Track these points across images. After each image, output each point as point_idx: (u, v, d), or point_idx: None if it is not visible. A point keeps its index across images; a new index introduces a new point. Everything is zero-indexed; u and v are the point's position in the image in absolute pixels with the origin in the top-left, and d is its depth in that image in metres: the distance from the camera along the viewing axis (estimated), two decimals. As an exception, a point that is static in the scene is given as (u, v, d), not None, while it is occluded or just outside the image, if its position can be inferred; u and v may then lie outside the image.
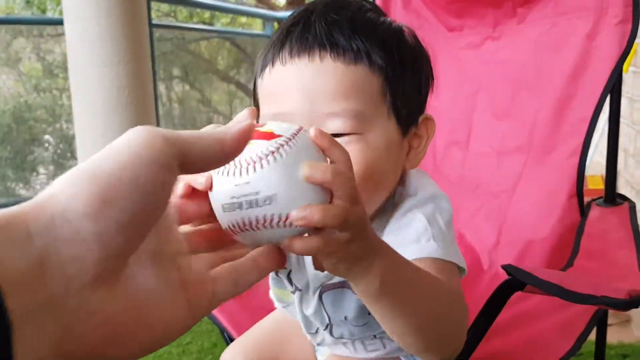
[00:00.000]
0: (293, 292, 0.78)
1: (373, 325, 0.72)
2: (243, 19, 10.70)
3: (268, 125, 0.45)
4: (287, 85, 0.62)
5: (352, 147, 0.60)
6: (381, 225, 0.68)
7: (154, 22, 3.53)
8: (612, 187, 1.15)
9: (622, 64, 1.10)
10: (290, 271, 0.76)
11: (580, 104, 1.19)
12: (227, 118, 8.54)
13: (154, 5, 3.37)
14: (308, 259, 0.71)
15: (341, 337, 0.76)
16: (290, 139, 0.42)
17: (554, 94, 1.24)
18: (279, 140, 0.42)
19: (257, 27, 9.57)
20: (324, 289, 0.73)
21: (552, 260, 1.22)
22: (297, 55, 0.61)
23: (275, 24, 6.28)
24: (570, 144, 1.20)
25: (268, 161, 0.41)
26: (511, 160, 1.31)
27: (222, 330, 1.09)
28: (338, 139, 0.48)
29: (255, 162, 0.41)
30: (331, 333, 0.75)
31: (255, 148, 0.42)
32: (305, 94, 0.61)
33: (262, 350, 0.87)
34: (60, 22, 2.93)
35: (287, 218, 0.41)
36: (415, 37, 0.71)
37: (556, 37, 1.23)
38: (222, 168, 0.42)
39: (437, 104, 1.41)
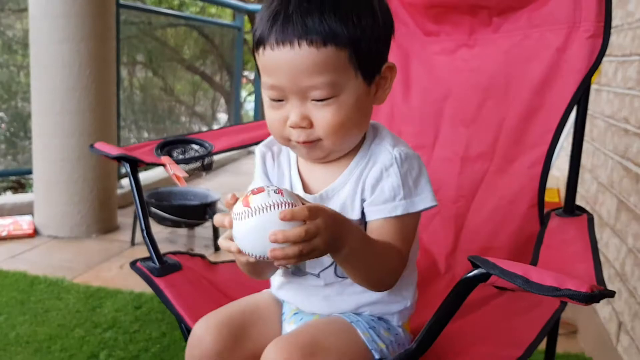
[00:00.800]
0: None
1: None
2: (213, 10, 10.56)
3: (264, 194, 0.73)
4: (277, 66, 0.81)
5: (330, 108, 0.83)
6: (345, 164, 0.92)
7: (121, 2, 3.44)
8: (572, 198, 1.17)
9: (590, 77, 1.12)
10: None
11: (546, 115, 1.20)
12: (189, 108, 8.40)
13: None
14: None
15: (343, 277, 0.94)
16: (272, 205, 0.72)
17: (520, 104, 1.26)
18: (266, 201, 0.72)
19: (226, 19, 9.47)
20: None
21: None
22: (281, 43, 0.80)
23: (245, 17, 6.23)
24: (534, 154, 1.22)
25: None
26: (473, 166, 1.32)
27: (179, 320, 1.06)
28: (319, 103, 0.82)
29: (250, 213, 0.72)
30: (335, 272, 0.95)
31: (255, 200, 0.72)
32: (290, 73, 0.81)
33: (233, 324, 0.94)
34: (23, -6, 2.81)
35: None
36: (380, 1, 0.87)
37: (527, 48, 1.24)
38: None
39: (406, 107, 1.42)
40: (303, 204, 0.75)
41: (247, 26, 9.09)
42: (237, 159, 5.03)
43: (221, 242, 0.79)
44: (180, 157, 1.32)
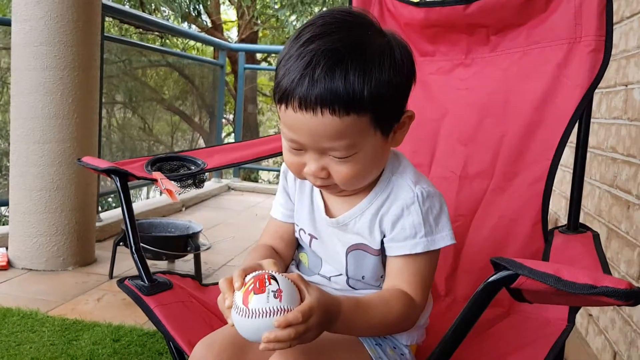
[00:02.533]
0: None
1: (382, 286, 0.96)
2: (194, 52, 10.64)
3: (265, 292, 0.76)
4: (299, 127, 0.84)
5: (347, 164, 0.86)
6: (365, 193, 0.96)
7: (105, 34, 3.42)
8: (576, 215, 1.15)
9: (592, 92, 1.12)
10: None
11: (547, 131, 1.19)
12: (168, 148, 8.35)
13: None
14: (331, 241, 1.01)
15: (354, 288, 0.99)
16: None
17: (520, 121, 1.25)
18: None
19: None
20: (349, 248, 0.97)
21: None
22: (304, 109, 0.81)
23: (227, 59, 6.26)
24: (535, 171, 1.20)
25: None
26: (472, 185, 1.30)
27: (169, 339, 1.00)
28: (337, 160, 0.86)
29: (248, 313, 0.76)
30: (348, 282, 0.99)
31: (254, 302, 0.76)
32: (311, 135, 0.84)
33: (236, 343, 0.91)
34: (7, 23, 2.78)
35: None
36: (404, 47, 0.89)
37: (527, 66, 1.24)
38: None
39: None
40: (300, 292, 0.78)
41: (228, 67, 9.16)
42: (218, 194, 4.96)
43: (222, 308, 0.81)
44: (173, 173, 1.27)
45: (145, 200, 5.25)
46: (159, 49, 7.63)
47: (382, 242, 0.94)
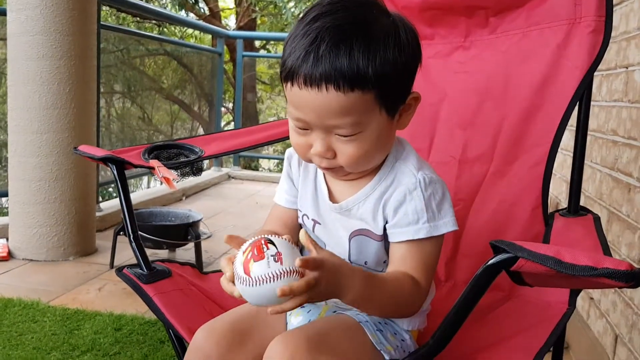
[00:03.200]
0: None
1: (385, 271, 0.95)
2: (192, 40, 10.57)
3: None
4: (304, 103, 0.84)
5: (353, 143, 0.86)
6: (369, 177, 0.96)
7: (102, 23, 3.40)
8: (576, 198, 1.14)
9: (592, 74, 1.11)
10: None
11: (547, 114, 1.18)
12: (168, 137, 8.33)
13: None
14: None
15: None
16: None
17: (519, 104, 1.23)
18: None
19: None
20: (352, 234, 0.96)
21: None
22: (309, 85, 0.82)
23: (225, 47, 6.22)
24: (535, 154, 1.19)
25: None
26: (472, 169, 1.29)
27: (168, 327, 1.00)
28: (343, 138, 0.86)
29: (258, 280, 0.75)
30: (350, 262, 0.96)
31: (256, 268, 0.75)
32: (316, 112, 0.84)
33: (235, 329, 0.92)
34: (3, 13, 2.76)
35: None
36: (409, 29, 0.88)
37: (526, 48, 1.23)
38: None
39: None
40: (302, 254, 0.78)
41: (227, 56, 9.11)
42: (218, 182, 4.96)
43: (224, 284, 0.81)
44: (171, 160, 1.26)
45: (145, 190, 5.24)
46: (157, 37, 7.58)
47: (384, 228, 0.94)
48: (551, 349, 1.06)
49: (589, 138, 2.25)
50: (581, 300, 2.26)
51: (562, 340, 1.13)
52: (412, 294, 0.89)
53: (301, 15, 0.87)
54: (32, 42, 2.58)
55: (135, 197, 3.77)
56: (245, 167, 6.26)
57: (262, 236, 0.78)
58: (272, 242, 0.76)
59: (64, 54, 2.62)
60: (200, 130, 8.90)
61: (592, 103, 2.25)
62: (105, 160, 1.14)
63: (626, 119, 1.87)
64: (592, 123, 2.24)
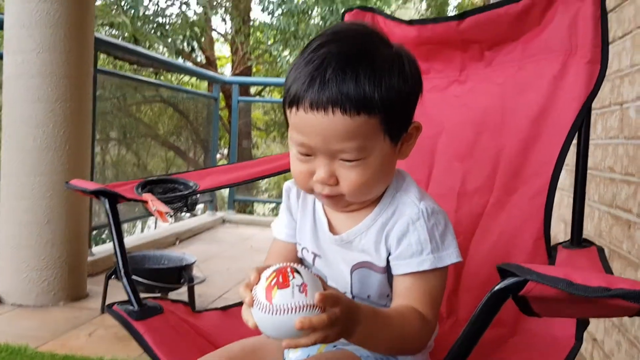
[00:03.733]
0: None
1: (388, 305, 0.93)
2: (188, 87, 10.69)
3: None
4: (309, 128, 0.84)
5: (356, 169, 0.85)
6: (370, 209, 0.94)
7: (99, 68, 3.42)
8: (579, 230, 1.11)
9: (590, 103, 1.10)
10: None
11: (546, 144, 1.17)
12: (163, 183, 8.26)
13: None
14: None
15: None
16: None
17: (517, 135, 1.22)
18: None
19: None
20: (354, 267, 0.94)
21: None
22: (315, 109, 0.82)
23: (220, 94, 6.28)
24: (535, 185, 1.17)
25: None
26: (471, 201, 1.27)
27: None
28: (346, 163, 0.85)
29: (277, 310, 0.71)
30: (352, 294, 0.94)
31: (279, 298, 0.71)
32: (321, 136, 0.83)
33: None
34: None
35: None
36: (412, 61, 0.90)
37: (522, 80, 1.23)
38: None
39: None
40: (325, 288, 0.74)
41: (222, 102, 9.20)
42: (212, 227, 4.91)
43: (243, 310, 0.77)
44: (165, 195, 1.24)
45: (139, 234, 5.19)
46: (153, 82, 7.64)
47: (387, 260, 0.91)
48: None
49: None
50: (584, 342, 2.20)
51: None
52: (418, 328, 0.86)
53: (305, 45, 0.88)
54: (28, 85, 2.58)
55: (129, 241, 3.72)
56: (240, 212, 6.22)
57: (288, 264, 0.75)
58: (298, 272, 0.73)
59: (60, 97, 2.62)
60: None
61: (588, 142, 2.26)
62: (98, 193, 1.11)
63: (623, 156, 1.87)
64: (589, 161, 2.24)
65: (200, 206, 6.72)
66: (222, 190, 9.34)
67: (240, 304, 1.28)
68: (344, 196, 0.88)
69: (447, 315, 1.25)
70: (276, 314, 0.70)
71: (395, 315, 0.85)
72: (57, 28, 2.59)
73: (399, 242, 0.89)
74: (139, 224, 7.59)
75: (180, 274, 2.61)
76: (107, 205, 1.12)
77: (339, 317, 0.72)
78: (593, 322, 2.09)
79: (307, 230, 0.99)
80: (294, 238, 1.03)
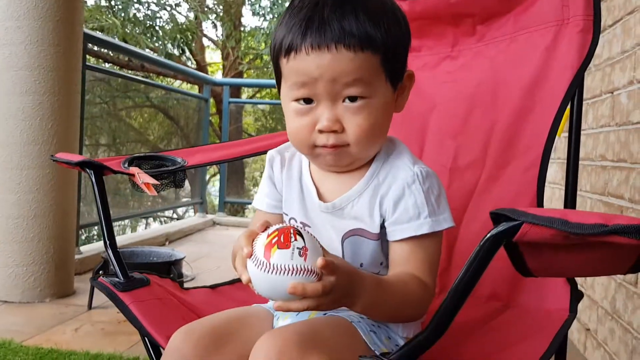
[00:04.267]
0: None
1: (382, 273, 0.91)
2: (178, 95, 10.65)
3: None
4: (313, 69, 0.81)
5: (361, 112, 0.84)
6: (359, 175, 0.92)
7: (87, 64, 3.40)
8: (572, 200, 1.10)
9: (583, 73, 1.09)
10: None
11: (539, 116, 1.16)
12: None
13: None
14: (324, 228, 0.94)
15: None
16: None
17: (509, 108, 1.21)
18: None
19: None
20: (345, 235, 0.91)
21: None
22: (317, 48, 0.80)
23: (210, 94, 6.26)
24: (528, 157, 1.16)
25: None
26: (463, 177, 1.26)
27: (144, 334, 0.93)
28: (351, 105, 0.83)
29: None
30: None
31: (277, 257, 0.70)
32: (326, 75, 0.81)
33: (216, 332, 0.86)
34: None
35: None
36: (400, 9, 0.89)
37: (514, 53, 1.22)
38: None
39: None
40: (325, 256, 0.73)
41: (213, 108, 9.18)
42: (203, 228, 4.87)
43: (238, 262, 0.76)
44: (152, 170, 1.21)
45: (130, 234, 5.14)
46: (142, 80, 7.56)
47: (381, 227, 0.89)
48: (553, 357, 1.00)
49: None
50: (577, 333, 2.19)
51: (564, 348, 1.07)
52: (420, 295, 0.85)
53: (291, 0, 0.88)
54: (15, 78, 2.55)
55: (120, 240, 3.66)
56: (231, 214, 6.19)
57: (293, 225, 0.74)
58: (301, 235, 0.71)
59: (47, 90, 2.59)
60: (186, 183, 8.80)
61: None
62: (83, 164, 1.09)
63: (614, 142, 1.86)
64: (580, 151, 2.24)
65: (190, 207, 6.67)
66: (213, 193, 9.28)
67: (230, 282, 1.26)
68: (349, 147, 0.85)
69: (439, 290, 1.23)
70: (272, 273, 0.69)
71: (397, 283, 0.84)
72: (46, 21, 2.56)
73: (395, 207, 0.88)
74: (128, 228, 7.53)
75: (170, 269, 2.58)
76: (93, 178, 1.09)
77: (335, 286, 0.71)
78: (585, 311, 2.08)
79: (295, 200, 0.97)
80: (276, 209, 1.00)
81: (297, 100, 0.85)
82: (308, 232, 0.74)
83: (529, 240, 0.62)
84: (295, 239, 0.71)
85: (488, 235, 0.64)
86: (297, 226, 0.74)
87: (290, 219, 0.98)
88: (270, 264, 0.69)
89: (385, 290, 0.81)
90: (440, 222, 0.87)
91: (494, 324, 1.07)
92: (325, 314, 0.90)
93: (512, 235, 0.62)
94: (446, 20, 1.28)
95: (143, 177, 1.10)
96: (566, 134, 1.17)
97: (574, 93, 1.10)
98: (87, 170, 1.09)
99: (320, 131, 0.84)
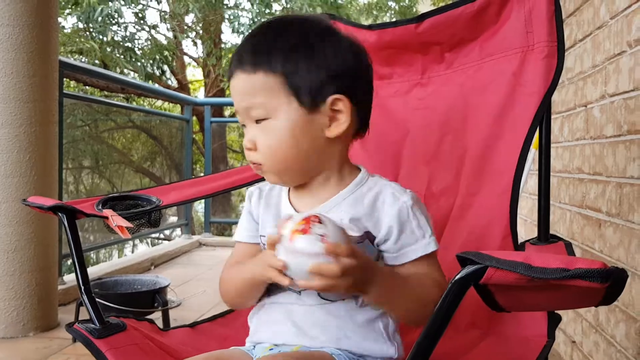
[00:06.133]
0: None
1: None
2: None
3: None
4: (232, 92, 0.94)
5: (266, 131, 0.90)
6: (337, 190, 0.95)
7: (65, 92, 3.38)
8: (545, 225, 1.11)
9: (549, 98, 1.10)
10: None
11: (508, 142, 1.17)
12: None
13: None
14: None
15: (327, 299, 0.91)
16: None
17: (480, 135, 1.22)
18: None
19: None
20: None
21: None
22: (230, 75, 0.93)
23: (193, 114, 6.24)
24: (500, 183, 1.17)
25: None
26: (438, 203, 1.26)
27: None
28: (259, 125, 0.91)
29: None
30: (319, 293, 0.91)
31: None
32: (235, 97, 0.93)
33: None
34: (-40, 83, 2.72)
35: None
36: (348, 40, 0.94)
37: (482, 79, 1.23)
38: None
39: (362, 152, 1.37)
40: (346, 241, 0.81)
41: (196, 126, 9.16)
42: (189, 250, 4.84)
43: (268, 252, 0.85)
44: (126, 211, 1.20)
45: (115, 260, 5.09)
46: (123, 105, 7.54)
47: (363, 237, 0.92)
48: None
49: (555, 179, 2.26)
50: (563, 345, 2.20)
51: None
52: (435, 292, 0.87)
53: None
54: (-10, 111, 2.53)
55: (103, 268, 3.64)
56: (217, 234, 6.15)
57: (317, 213, 0.82)
58: (322, 222, 0.79)
59: (24, 122, 2.57)
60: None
61: (555, 145, 2.27)
62: (55, 209, 1.08)
63: (590, 156, 1.88)
64: (557, 164, 2.26)
65: (177, 229, 6.63)
66: (199, 213, 9.23)
67: (207, 320, 1.25)
68: (262, 165, 0.92)
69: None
70: (295, 256, 0.79)
71: (412, 277, 0.90)
72: (20, 52, 2.55)
73: (401, 231, 0.91)
74: (115, 253, 7.46)
75: (154, 297, 2.55)
76: (65, 222, 1.08)
77: (352, 268, 0.78)
78: (570, 323, 2.09)
79: (271, 221, 0.99)
80: (254, 239, 1.03)
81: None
82: (331, 220, 0.81)
83: (495, 283, 0.63)
84: (316, 226, 0.79)
85: (455, 278, 0.64)
86: (322, 215, 0.81)
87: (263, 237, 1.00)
88: (293, 248, 0.79)
89: (399, 283, 0.87)
90: (436, 242, 0.94)
91: (474, 354, 1.07)
92: (309, 348, 0.90)
93: (478, 279, 0.63)
94: (415, 48, 1.30)
95: (117, 220, 1.10)
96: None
97: (542, 118, 1.10)
98: (59, 214, 1.08)
99: (247, 150, 0.93)
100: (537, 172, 1.16)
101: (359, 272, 0.79)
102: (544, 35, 1.11)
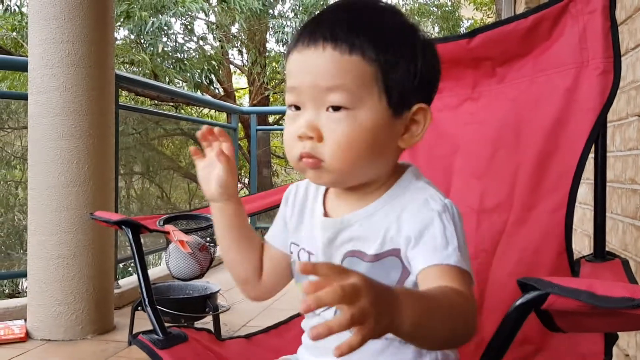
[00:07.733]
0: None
1: None
2: (208, 118, 10.85)
3: None
4: (300, 67, 0.82)
5: (342, 122, 0.79)
6: (388, 192, 0.87)
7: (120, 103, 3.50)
8: (602, 242, 1.10)
9: (606, 114, 1.10)
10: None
11: (563, 157, 1.16)
12: (186, 215, 8.34)
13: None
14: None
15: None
16: None
17: (533, 150, 1.22)
18: None
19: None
20: (345, 255, 0.87)
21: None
22: (307, 46, 0.80)
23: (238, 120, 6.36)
24: (554, 199, 1.16)
25: None
26: (491, 219, 1.26)
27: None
28: (333, 114, 0.79)
29: None
30: None
31: None
32: (311, 74, 0.80)
33: None
34: (24, 97, 2.86)
35: None
36: (420, 34, 0.86)
37: (535, 93, 1.23)
38: None
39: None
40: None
41: (241, 132, 9.30)
42: (236, 256, 4.92)
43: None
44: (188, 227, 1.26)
45: (163, 265, 5.22)
46: (172, 115, 7.72)
47: (384, 251, 0.84)
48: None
49: (608, 189, 2.22)
50: (616, 358, 2.15)
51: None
52: (465, 306, 0.74)
53: None
54: (52, 123, 2.65)
55: (155, 272, 3.74)
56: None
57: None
58: None
59: (83, 134, 2.68)
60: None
61: (607, 154, 2.23)
62: (121, 223, 1.14)
63: (644, 166, 1.84)
64: (609, 174, 2.21)
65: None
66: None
67: (261, 331, 1.29)
68: (324, 162, 0.80)
69: (475, 346, 1.24)
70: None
71: (437, 293, 0.73)
72: (79, 67, 2.66)
73: (422, 234, 0.80)
74: (164, 257, 7.65)
75: (205, 303, 2.62)
76: (130, 235, 1.14)
77: (366, 311, 0.57)
78: (624, 336, 2.04)
79: (307, 230, 0.94)
80: (284, 247, 0.98)
81: (290, 106, 0.83)
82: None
83: (556, 309, 0.64)
84: None
85: (516, 304, 0.66)
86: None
87: (300, 250, 0.94)
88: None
89: (428, 304, 0.69)
90: (467, 264, 0.79)
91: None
92: None
93: (540, 304, 0.64)
94: (465, 63, 1.30)
95: (178, 235, 1.15)
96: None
97: (598, 135, 1.10)
98: (125, 228, 1.14)
99: (300, 137, 0.80)
100: (585, 181, 1.15)
101: (376, 308, 0.59)
102: (600, 51, 1.10)
